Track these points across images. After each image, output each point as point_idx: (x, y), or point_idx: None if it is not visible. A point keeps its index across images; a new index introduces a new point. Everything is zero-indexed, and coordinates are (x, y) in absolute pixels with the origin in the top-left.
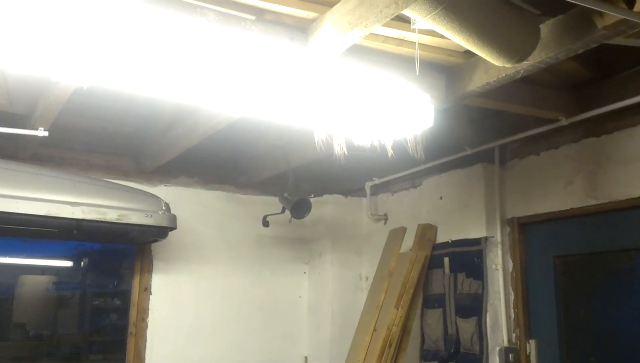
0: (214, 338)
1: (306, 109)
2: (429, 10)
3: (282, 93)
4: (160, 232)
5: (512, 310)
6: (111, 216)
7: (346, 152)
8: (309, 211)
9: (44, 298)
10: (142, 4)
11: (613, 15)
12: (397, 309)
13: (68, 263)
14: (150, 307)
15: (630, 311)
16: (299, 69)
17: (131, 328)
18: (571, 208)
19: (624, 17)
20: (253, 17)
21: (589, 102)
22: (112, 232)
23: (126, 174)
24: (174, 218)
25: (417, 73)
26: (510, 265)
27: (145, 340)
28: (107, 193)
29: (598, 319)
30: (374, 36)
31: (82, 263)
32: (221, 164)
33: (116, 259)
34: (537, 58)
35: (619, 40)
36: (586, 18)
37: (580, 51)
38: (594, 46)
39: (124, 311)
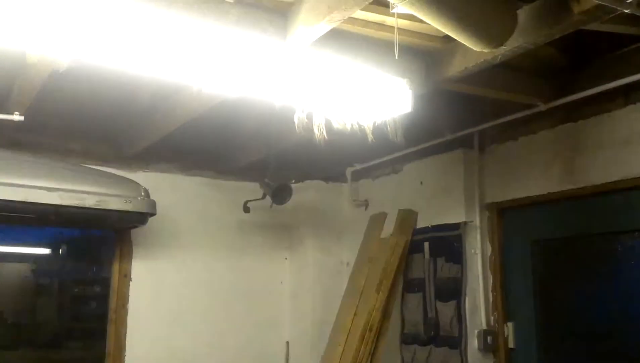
0: (195, 324)
1: (286, 92)
2: None
3: (261, 76)
4: (140, 218)
5: (490, 294)
6: (89, 201)
7: (326, 136)
8: (290, 196)
9: (22, 285)
10: None
11: (589, 1)
12: (378, 294)
13: (46, 251)
14: (130, 294)
15: (606, 295)
16: (278, 52)
17: (111, 315)
18: (549, 193)
19: (600, 2)
20: (231, 0)
21: (567, 88)
22: (90, 218)
23: (105, 160)
24: (153, 203)
25: (396, 57)
26: (489, 249)
27: (126, 327)
28: (85, 179)
29: (574, 302)
30: (353, 20)
31: (60, 250)
32: (201, 150)
33: (95, 246)
34: (515, 43)
35: (595, 26)
36: (563, 3)
37: (558, 36)
38: (570, 31)
39: (103, 298)
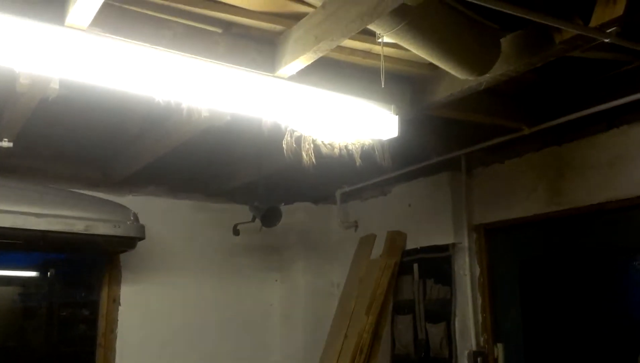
0: (185, 349)
1: (275, 118)
2: (393, 25)
3: (251, 103)
4: (129, 242)
5: (479, 315)
6: (78, 227)
7: (314, 161)
8: (280, 219)
9: (9, 309)
10: (111, 18)
11: (570, 31)
12: (368, 316)
13: (34, 274)
14: (119, 318)
15: (593, 315)
16: (267, 81)
17: (100, 340)
18: (535, 214)
19: (580, 32)
20: (220, 30)
21: (551, 112)
22: (79, 243)
23: (94, 184)
24: (142, 228)
25: (382, 86)
26: (478, 271)
27: (115, 352)
28: (73, 204)
29: (563, 322)
30: (340, 49)
31: (48, 273)
32: (190, 173)
33: (84, 269)
34: (499, 71)
35: (577, 53)
36: (545, 33)
37: (540, 65)
38: (552, 59)
39: (92, 322)
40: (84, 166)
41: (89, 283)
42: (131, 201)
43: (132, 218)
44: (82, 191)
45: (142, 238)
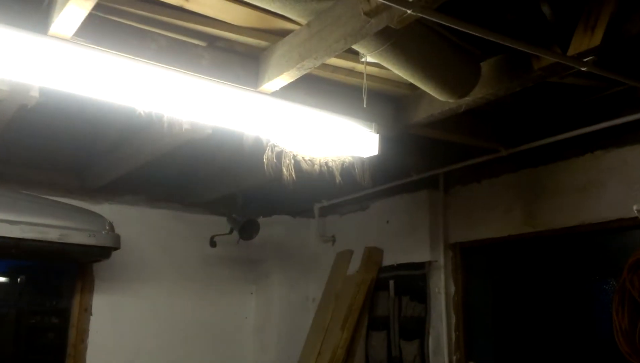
0: (156, 361)
1: (256, 133)
2: (377, 46)
3: (233, 117)
4: (103, 252)
5: (453, 333)
6: (52, 235)
7: (294, 176)
8: (257, 232)
9: None
10: (95, 29)
11: (548, 58)
12: (343, 331)
13: (3, 279)
14: (90, 328)
15: (564, 335)
16: (250, 96)
17: (70, 350)
18: (509, 235)
19: (558, 60)
20: (204, 44)
21: (528, 135)
22: (52, 252)
23: (69, 192)
24: (117, 237)
25: (365, 106)
26: (453, 289)
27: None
28: (48, 211)
29: (534, 341)
30: (324, 66)
31: (18, 279)
32: (169, 183)
33: (55, 276)
34: (478, 94)
35: (555, 80)
36: (524, 59)
37: (518, 89)
38: (531, 85)
39: (62, 330)
40: (61, 173)
41: (60, 291)
42: (107, 209)
43: (107, 227)
44: (57, 199)
45: (117, 248)
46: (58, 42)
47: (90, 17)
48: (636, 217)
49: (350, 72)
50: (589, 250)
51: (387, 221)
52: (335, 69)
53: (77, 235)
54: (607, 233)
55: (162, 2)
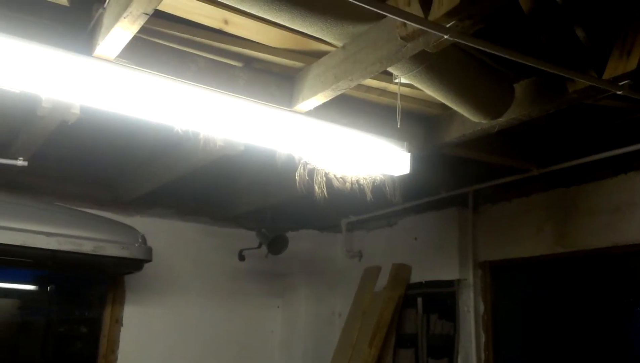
0: None
1: (289, 150)
2: (411, 68)
3: (267, 135)
4: (136, 265)
5: (482, 352)
6: (87, 247)
7: (326, 194)
8: (286, 247)
9: (6, 323)
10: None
11: (583, 82)
12: (370, 348)
13: (34, 288)
14: (121, 339)
15: (595, 358)
16: (285, 115)
17: (100, 360)
18: (541, 255)
19: (593, 84)
20: (241, 65)
21: (560, 155)
22: (87, 263)
23: (102, 204)
24: (150, 250)
25: (399, 126)
26: (482, 308)
27: None
28: (83, 224)
29: None
30: (357, 86)
31: (48, 288)
32: (199, 196)
33: (84, 285)
34: (512, 115)
35: (589, 102)
36: (558, 81)
37: (552, 111)
38: (565, 107)
39: (91, 340)
40: (94, 186)
41: (89, 301)
42: (139, 222)
43: (140, 240)
44: (91, 211)
45: (149, 260)
46: (102, 63)
47: (132, 39)
48: None
49: (383, 92)
50: (622, 272)
51: (415, 238)
52: (368, 89)
53: (111, 247)
54: (639, 255)
55: (202, 24)
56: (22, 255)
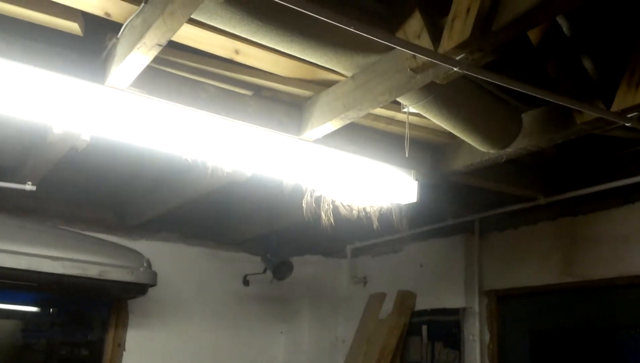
0: None
1: (297, 177)
2: (420, 98)
3: (275, 162)
4: (140, 289)
5: None
6: (92, 272)
7: (333, 222)
8: (291, 272)
9: (7, 345)
10: (149, 79)
11: (591, 114)
12: None
13: (36, 309)
14: None
15: None
16: (293, 142)
17: None
18: (548, 284)
19: (601, 116)
20: (251, 93)
21: (567, 183)
22: (92, 288)
23: (108, 228)
24: (154, 275)
25: (407, 155)
26: (487, 337)
27: None
28: (89, 248)
29: None
30: (366, 114)
31: (50, 310)
32: (204, 221)
33: (86, 308)
34: (520, 145)
35: (598, 132)
36: (566, 112)
37: (560, 141)
38: (573, 138)
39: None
40: (101, 210)
41: (91, 324)
42: (144, 246)
43: (145, 264)
44: (96, 235)
45: (153, 285)
46: (114, 92)
47: (144, 68)
48: None
49: (391, 120)
50: (629, 302)
51: (421, 265)
52: (377, 117)
53: (116, 272)
54: None
55: (213, 54)
56: (27, 279)
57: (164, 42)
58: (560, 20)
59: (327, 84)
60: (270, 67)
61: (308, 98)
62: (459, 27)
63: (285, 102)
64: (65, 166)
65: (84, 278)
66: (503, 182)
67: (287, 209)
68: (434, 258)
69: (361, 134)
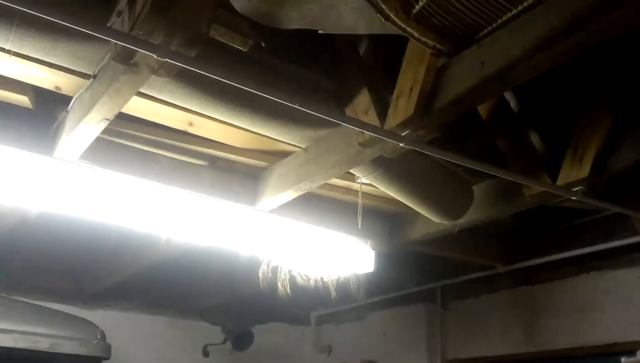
0: None
1: (252, 247)
2: (371, 171)
3: (230, 232)
4: (93, 362)
5: None
6: (43, 345)
7: (289, 292)
8: (252, 343)
9: None
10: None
11: (538, 188)
12: None
13: None
14: None
15: None
16: (248, 213)
17: None
18: (510, 354)
19: (547, 190)
20: (206, 163)
21: (524, 252)
22: (42, 361)
23: (65, 297)
24: (108, 347)
25: (360, 226)
26: None
27: None
28: (41, 320)
29: None
30: (322, 185)
31: None
32: (164, 289)
33: None
34: (472, 216)
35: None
36: (515, 184)
37: (511, 213)
38: (523, 209)
39: None
40: (57, 279)
41: None
42: (102, 315)
43: (98, 336)
44: (52, 304)
45: (107, 358)
46: (64, 164)
47: (95, 140)
48: (637, 341)
49: (347, 190)
50: None
51: (384, 334)
52: (332, 187)
53: (68, 345)
54: (602, 357)
55: (167, 126)
56: None
57: (111, 116)
58: (508, 96)
59: (282, 155)
60: (225, 138)
61: (264, 169)
62: (403, 105)
63: (240, 173)
64: (20, 235)
65: (34, 351)
66: (460, 251)
67: (245, 278)
68: (397, 327)
69: (318, 204)
